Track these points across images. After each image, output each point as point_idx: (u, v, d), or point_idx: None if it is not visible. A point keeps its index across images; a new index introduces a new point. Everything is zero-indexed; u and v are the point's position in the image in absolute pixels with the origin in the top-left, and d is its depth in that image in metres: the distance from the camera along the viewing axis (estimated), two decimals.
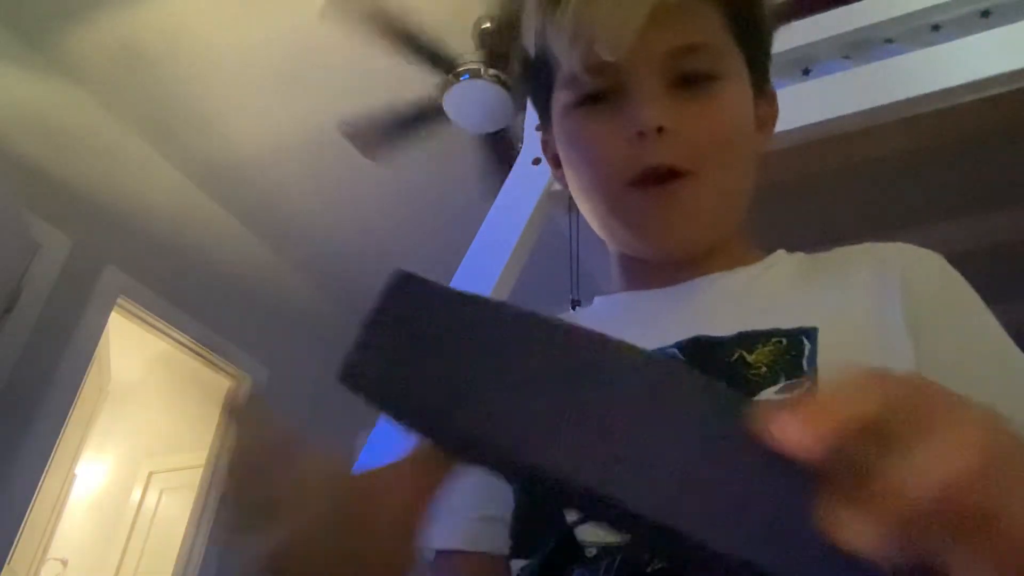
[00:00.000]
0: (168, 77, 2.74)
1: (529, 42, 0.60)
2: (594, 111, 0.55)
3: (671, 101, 0.52)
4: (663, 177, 0.52)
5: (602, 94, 0.54)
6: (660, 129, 0.51)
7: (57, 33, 2.56)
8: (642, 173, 0.52)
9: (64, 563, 3.88)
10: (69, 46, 2.61)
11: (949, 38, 1.17)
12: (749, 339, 0.48)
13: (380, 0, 2.30)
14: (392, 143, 2.74)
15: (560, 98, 0.58)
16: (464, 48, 2.55)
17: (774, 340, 0.48)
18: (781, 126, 0.65)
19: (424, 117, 2.66)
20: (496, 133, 2.70)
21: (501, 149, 2.73)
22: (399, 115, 2.65)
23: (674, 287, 0.57)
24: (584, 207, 0.60)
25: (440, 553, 0.54)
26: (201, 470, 3.26)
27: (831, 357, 0.46)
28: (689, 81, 0.53)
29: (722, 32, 0.55)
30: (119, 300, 2.78)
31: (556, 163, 0.64)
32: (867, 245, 0.56)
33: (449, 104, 2.57)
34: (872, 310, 0.49)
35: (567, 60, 0.54)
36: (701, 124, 0.52)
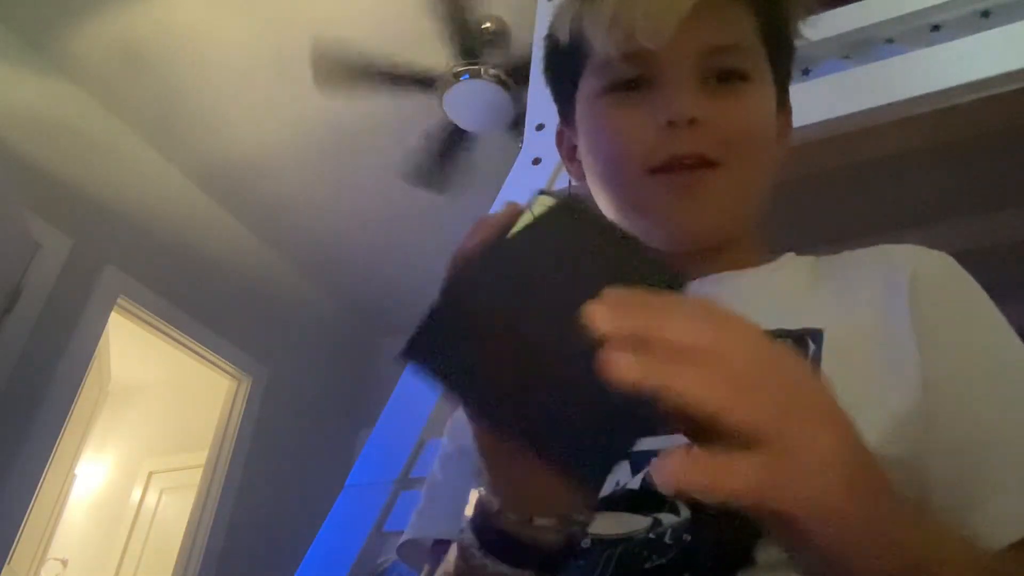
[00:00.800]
0: (168, 77, 2.74)
1: (562, 29, 0.60)
2: (624, 98, 0.55)
3: (703, 95, 0.53)
4: (690, 165, 0.53)
5: (633, 82, 0.55)
6: (692, 120, 0.52)
7: (57, 33, 2.56)
8: (667, 161, 0.53)
9: (64, 563, 3.88)
10: (69, 46, 2.61)
11: (949, 38, 1.16)
12: None
13: (356, 53, 2.41)
14: (444, 173, 2.87)
15: (589, 85, 0.58)
16: (438, 55, 2.55)
17: (779, 340, 0.48)
18: None
19: (454, 143, 2.76)
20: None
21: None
22: (437, 150, 2.77)
23: None
24: (600, 194, 0.59)
25: (438, 543, 0.54)
26: (201, 470, 3.26)
27: (836, 358, 0.46)
28: (720, 78, 0.54)
29: (755, 38, 0.56)
30: (119, 300, 2.78)
31: (570, 156, 0.64)
32: (877, 247, 0.56)
33: (449, 104, 2.57)
34: (879, 313, 0.49)
35: (603, 45, 0.55)
36: (730, 119, 0.53)
